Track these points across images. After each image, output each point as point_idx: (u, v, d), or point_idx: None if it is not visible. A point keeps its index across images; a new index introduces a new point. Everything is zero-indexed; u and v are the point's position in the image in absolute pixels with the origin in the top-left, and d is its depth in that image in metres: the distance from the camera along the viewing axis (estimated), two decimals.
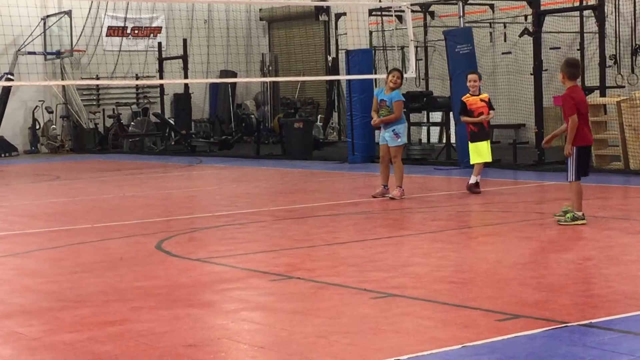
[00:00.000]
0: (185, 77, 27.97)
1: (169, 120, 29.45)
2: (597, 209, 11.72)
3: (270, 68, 31.79)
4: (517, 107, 24.63)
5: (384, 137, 13.97)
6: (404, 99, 14.11)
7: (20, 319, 6.73)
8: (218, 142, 27.42)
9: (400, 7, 21.69)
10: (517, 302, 6.62)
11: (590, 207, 11.50)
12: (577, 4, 22.18)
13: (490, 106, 14.42)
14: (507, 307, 6.49)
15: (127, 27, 31.69)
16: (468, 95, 14.42)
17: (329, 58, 27.93)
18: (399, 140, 13.84)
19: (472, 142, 14.41)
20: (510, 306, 6.50)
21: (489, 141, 14.53)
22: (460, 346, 5.53)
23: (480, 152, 14.35)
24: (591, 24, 21.10)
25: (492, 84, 25.42)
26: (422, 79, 26.05)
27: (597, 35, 19.25)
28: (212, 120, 31.18)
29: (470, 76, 14.65)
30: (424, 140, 24.62)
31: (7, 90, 28.08)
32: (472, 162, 14.43)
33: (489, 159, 14.47)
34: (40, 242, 10.53)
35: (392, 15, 24.46)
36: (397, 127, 13.82)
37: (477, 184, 14.17)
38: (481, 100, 14.37)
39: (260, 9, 33.84)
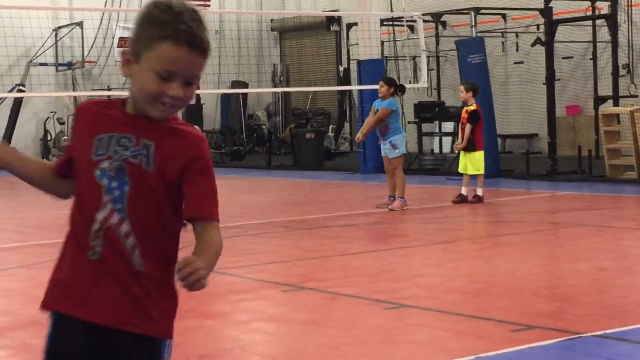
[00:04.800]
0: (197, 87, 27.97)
1: None
2: (610, 219, 11.67)
3: (282, 78, 31.82)
4: (530, 117, 24.60)
5: (383, 148, 13.94)
6: (394, 109, 13.88)
7: (32, 329, 6.71)
8: (229, 153, 27.44)
9: (412, 17, 21.68)
10: (530, 313, 6.58)
11: (604, 216, 11.46)
12: (589, 13, 22.14)
13: (470, 119, 14.26)
14: (520, 317, 6.45)
15: None
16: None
17: (341, 68, 27.93)
18: (397, 151, 13.79)
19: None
20: (524, 317, 6.46)
21: (470, 153, 14.40)
22: (473, 357, 5.49)
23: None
24: (604, 33, 21.08)
25: (505, 93, 25.39)
26: (434, 89, 26.04)
27: (609, 44, 19.24)
28: (224, 131, 31.21)
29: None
30: (436, 150, 24.56)
31: (18, 101, 28.15)
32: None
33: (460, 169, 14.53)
34: (52, 252, 10.46)
35: (403, 25, 24.45)
36: (394, 137, 13.77)
37: (460, 195, 14.24)
38: (465, 111, 14.39)
39: (271, 20, 33.89)
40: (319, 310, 7.04)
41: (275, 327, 6.66)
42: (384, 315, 6.76)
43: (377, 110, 13.81)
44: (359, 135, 14.24)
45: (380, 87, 13.86)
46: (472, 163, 14.28)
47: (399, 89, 14.23)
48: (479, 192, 14.18)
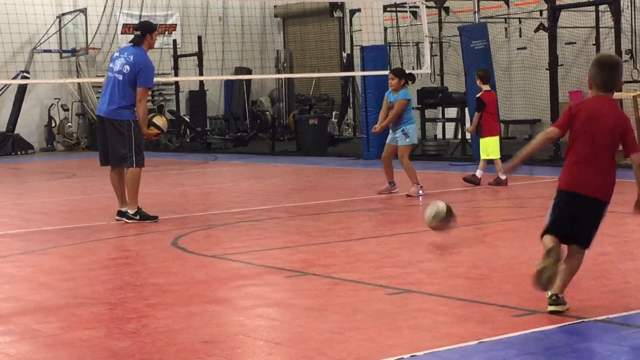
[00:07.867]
0: (200, 74, 27.99)
1: (184, 117, 29.49)
2: (613, 205, 11.63)
3: (285, 65, 31.81)
4: (533, 103, 24.58)
5: (394, 137, 13.85)
6: (410, 99, 13.84)
7: (37, 315, 6.75)
8: (233, 139, 27.45)
9: (414, 3, 21.67)
10: (533, 298, 6.60)
11: None
12: None
13: (476, 106, 14.62)
14: (523, 302, 6.48)
15: None
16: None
17: (344, 54, 27.91)
18: (407, 140, 13.74)
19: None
20: (527, 302, 6.49)
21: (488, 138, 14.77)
22: (476, 342, 5.52)
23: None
24: (607, 19, 21.03)
25: (508, 79, 25.38)
26: (437, 75, 26.01)
27: (612, 30, 19.18)
28: (227, 117, 31.21)
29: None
30: (439, 136, 24.57)
31: (22, 88, 28.17)
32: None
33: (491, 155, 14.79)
34: (57, 239, 10.56)
35: (406, 11, 24.44)
36: (407, 127, 13.72)
37: (473, 175, 14.68)
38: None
39: (274, 6, 33.85)
40: (322, 295, 7.07)
41: (279, 312, 6.69)
42: (388, 301, 6.79)
43: (390, 102, 13.71)
44: (377, 127, 14.08)
45: (390, 79, 13.76)
46: (482, 148, 14.61)
47: (409, 78, 14.23)
48: (478, 173, 14.45)
